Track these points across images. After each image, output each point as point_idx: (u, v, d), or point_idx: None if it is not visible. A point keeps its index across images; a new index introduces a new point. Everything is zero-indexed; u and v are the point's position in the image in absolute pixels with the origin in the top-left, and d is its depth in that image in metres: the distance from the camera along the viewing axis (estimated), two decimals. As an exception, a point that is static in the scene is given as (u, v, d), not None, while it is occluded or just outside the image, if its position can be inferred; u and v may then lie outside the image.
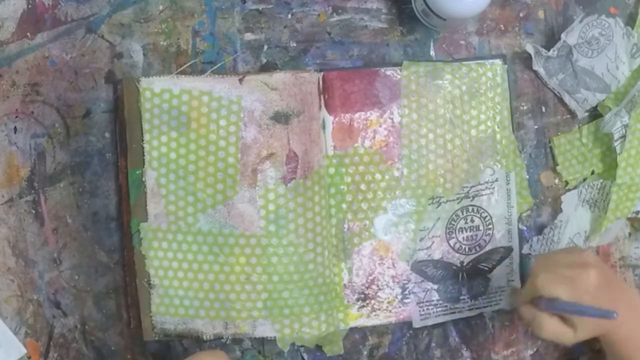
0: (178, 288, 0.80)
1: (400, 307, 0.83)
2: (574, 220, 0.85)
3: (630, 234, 0.87)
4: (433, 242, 0.83)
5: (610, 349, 0.76)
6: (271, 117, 0.79)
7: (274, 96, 0.79)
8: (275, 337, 0.80)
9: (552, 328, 0.71)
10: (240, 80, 0.79)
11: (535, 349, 0.86)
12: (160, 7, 0.83)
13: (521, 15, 0.86)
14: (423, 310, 0.83)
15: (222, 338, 0.81)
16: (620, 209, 0.83)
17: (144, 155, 0.79)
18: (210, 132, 0.79)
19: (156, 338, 0.81)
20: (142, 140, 0.79)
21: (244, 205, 0.79)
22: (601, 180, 0.85)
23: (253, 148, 0.78)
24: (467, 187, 0.83)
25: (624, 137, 0.82)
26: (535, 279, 0.72)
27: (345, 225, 0.82)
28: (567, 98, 0.84)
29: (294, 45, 0.84)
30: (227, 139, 0.79)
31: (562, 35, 0.83)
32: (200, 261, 0.79)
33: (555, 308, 0.71)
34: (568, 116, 0.86)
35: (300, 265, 0.79)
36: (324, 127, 0.81)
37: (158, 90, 0.79)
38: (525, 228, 0.85)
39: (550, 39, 0.86)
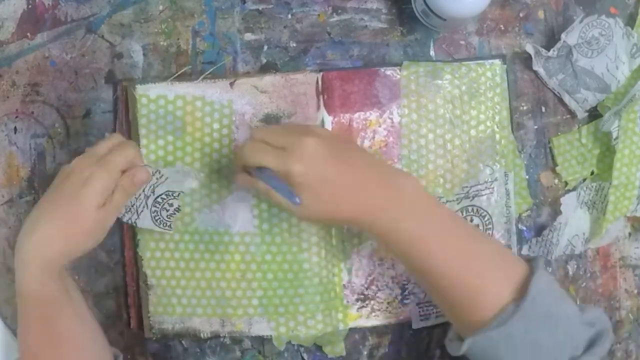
0: (175, 287, 0.81)
1: (400, 307, 0.83)
2: (573, 221, 0.85)
3: (630, 234, 0.86)
4: (433, 243, 0.83)
5: (382, 246, 0.70)
6: (261, 119, 0.80)
7: (264, 99, 0.80)
8: (271, 335, 0.81)
9: (275, 198, 0.67)
10: (231, 85, 0.80)
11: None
12: (160, 7, 0.83)
13: (521, 15, 0.86)
14: (423, 310, 0.83)
15: (220, 336, 0.81)
16: (619, 208, 0.83)
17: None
18: (204, 135, 0.80)
19: (154, 338, 0.81)
20: (140, 145, 0.80)
21: (238, 204, 0.79)
22: (599, 182, 0.85)
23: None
24: (467, 187, 0.83)
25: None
26: (242, 147, 0.68)
27: (345, 226, 0.82)
28: (567, 98, 0.84)
29: (294, 45, 0.84)
30: (220, 141, 0.80)
31: (562, 36, 0.83)
32: (196, 259, 0.80)
33: (260, 178, 0.67)
34: (568, 116, 0.86)
35: (294, 264, 0.79)
36: (323, 127, 0.81)
37: (154, 96, 0.80)
38: (525, 228, 0.85)
39: (550, 39, 0.86)
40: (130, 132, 0.81)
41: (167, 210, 0.79)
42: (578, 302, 0.85)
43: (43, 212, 0.70)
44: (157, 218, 0.78)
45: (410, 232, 0.66)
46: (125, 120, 0.81)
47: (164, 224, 0.78)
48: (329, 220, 0.69)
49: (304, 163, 0.64)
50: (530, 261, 0.67)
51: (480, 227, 0.83)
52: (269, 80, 0.81)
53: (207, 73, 0.81)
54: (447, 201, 0.82)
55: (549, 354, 0.62)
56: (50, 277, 0.69)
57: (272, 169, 0.65)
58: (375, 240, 0.69)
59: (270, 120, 0.80)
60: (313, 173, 0.65)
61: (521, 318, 0.62)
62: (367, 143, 0.82)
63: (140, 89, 0.80)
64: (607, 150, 0.85)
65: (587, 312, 0.65)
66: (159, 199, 0.78)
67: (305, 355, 0.83)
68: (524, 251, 0.85)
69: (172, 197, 0.79)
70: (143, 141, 0.80)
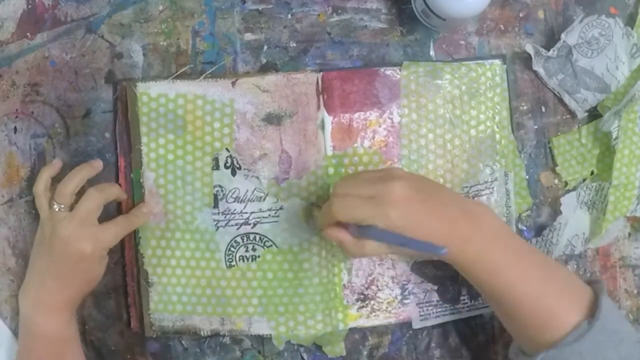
0: (176, 285, 0.81)
1: (399, 307, 0.83)
2: (573, 222, 0.85)
3: (630, 234, 0.86)
4: (433, 243, 0.83)
5: (463, 273, 0.71)
6: (263, 118, 0.80)
7: (266, 98, 0.80)
8: (270, 334, 0.81)
9: (376, 250, 0.68)
10: (233, 84, 0.80)
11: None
12: (160, 7, 0.83)
13: (521, 15, 0.86)
14: (423, 310, 0.83)
15: (220, 334, 0.81)
16: (619, 208, 0.83)
17: (142, 158, 0.80)
18: (205, 134, 0.80)
19: (154, 335, 0.82)
20: (140, 143, 0.80)
21: (239, 204, 0.79)
22: (599, 182, 0.85)
23: (246, 149, 0.79)
24: (467, 187, 0.83)
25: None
26: (330, 204, 0.68)
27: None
28: (567, 98, 0.84)
29: (294, 45, 0.84)
30: (221, 140, 0.80)
31: (562, 36, 0.83)
32: (197, 258, 0.80)
33: (367, 236, 0.66)
34: (568, 116, 0.86)
35: (295, 264, 0.79)
36: (323, 127, 0.81)
37: (155, 95, 0.80)
38: (525, 228, 0.85)
39: (550, 39, 0.86)
40: (130, 131, 0.81)
41: None
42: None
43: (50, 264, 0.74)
44: None
45: (493, 262, 0.68)
46: (124, 120, 0.81)
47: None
48: (423, 256, 0.71)
49: (399, 207, 0.65)
50: (592, 283, 0.70)
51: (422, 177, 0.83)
52: (270, 79, 0.81)
53: (207, 73, 0.81)
54: (447, 201, 0.83)
55: None
56: (69, 320, 0.76)
57: (368, 220, 0.65)
58: (459, 270, 0.71)
59: (271, 119, 0.80)
60: (409, 214, 0.65)
61: (593, 336, 0.64)
62: (367, 143, 0.82)
63: (141, 87, 0.80)
64: (607, 150, 0.85)
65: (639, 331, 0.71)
66: None
67: (305, 355, 0.83)
68: (524, 251, 0.85)
69: None
70: (144, 139, 0.81)
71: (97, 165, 0.79)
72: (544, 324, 0.67)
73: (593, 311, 0.66)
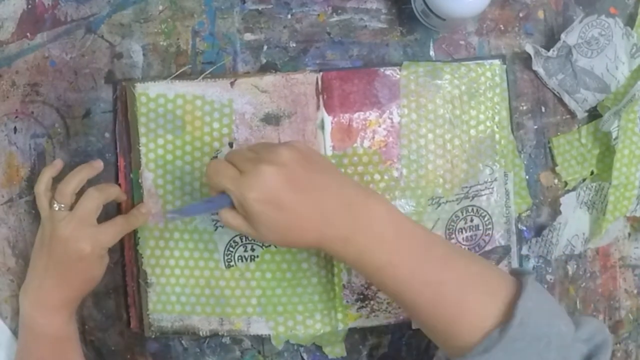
0: (175, 285, 0.81)
1: (399, 307, 0.83)
2: (573, 222, 0.85)
3: (630, 234, 0.86)
4: (434, 243, 0.83)
5: (357, 270, 0.65)
6: (262, 118, 0.80)
7: (264, 98, 0.80)
8: (269, 334, 0.81)
9: (231, 222, 0.64)
10: (232, 84, 0.80)
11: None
12: (160, 7, 0.83)
13: (521, 15, 0.86)
14: (423, 310, 0.83)
15: (219, 334, 0.81)
16: (619, 208, 0.83)
17: (140, 158, 0.81)
18: (204, 134, 0.80)
19: (153, 336, 0.82)
20: (139, 144, 0.80)
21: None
22: (599, 182, 0.85)
23: (244, 149, 0.79)
24: (466, 187, 0.83)
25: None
26: (207, 166, 0.65)
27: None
28: (566, 98, 0.84)
29: (294, 45, 0.84)
30: (220, 140, 0.80)
31: (562, 36, 0.83)
32: (196, 258, 0.81)
33: (183, 208, 0.70)
34: (568, 116, 0.86)
35: (293, 264, 0.80)
36: (322, 127, 0.81)
37: (153, 95, 0.80)
38: (525, 228, 0.85)
39: (550, 39, 0.86)
40: (129, 131, 0.81)
41: None
42: (578, 303, 0.85)
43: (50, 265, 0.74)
44: None
45: (378, 262, 0.63)
46: (124, 120, 0.81)
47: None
48: (288, 245, 0.65)
49: (256, 191, 0.61)
50: (519, 275, 0.64)
51: (480, 227, 0.83)
52: (269, 79, 0.81)
53: (207, 73, 0.81)
54: (447, 201, 0.82)
55: None
56: (69, 319, 0.76)
57: (229, 193, 0.63)
58: (345, 263, 0.67)
59: (270, 119, 0.80)
60: (266, 201, 0.61)
61: (506, 346, 0.58)
62: (366, 143, 0.82)
63: (139, 88, 0.80)
64: (607, 150, 0.85)
65: (583, 327, 0.61)
66: None
67: (305, 355, 0.83)
68: (524, 251, 0.85)
69: None
70: (142, 140, 0.81)
71: (98, 165, 0.79)
72: (450, 331, 0.61)
73: (509, 314, 0.59)
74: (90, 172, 0.77)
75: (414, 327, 0.83)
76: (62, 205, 0.74)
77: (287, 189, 0.61)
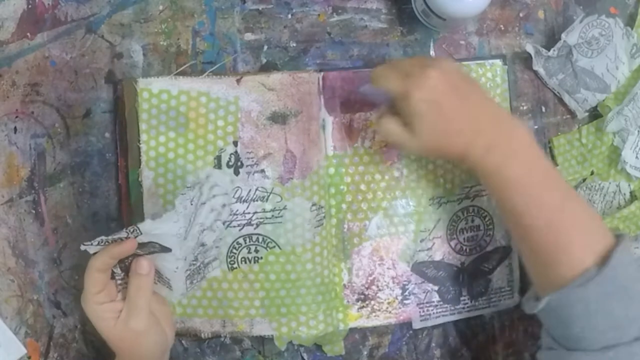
0: (176, 287, 0.80)
1: (400, 308, 0.83)
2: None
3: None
4: (434, 244, 0.83)
5: (483, 182, 0.71)
6: (268, 117, 0.79)
7: (271, 97, 0.79)
8: (272, 335, 0.80)
9: (386, 125, 0.70)
10: (238, 81, 0.80)
11: (535, 349, 0.86)
12: (160, 7, 0.83)
13: (521, 15, 0.86)
14: (423, 311, 0.83)
15: (221, 336, 0.81)
16: (633, 219, 0.85)
17: (140, 156, 0.80)
18: (208, 133, 0.79)
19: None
20: (139, 141, 0.80)
21: (242, 204, 0.79)
22: (599, 182, 0.85)
23: (250, 148, 0.79)
24: (467, 187, 0.83)
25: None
26: (374, 70, 0.70)
27: (345, 226, 0.82)
28: (567, 98, 0.84)
29: (294, 45, 0.84)
30: (224, 139, 0.79)
31: (562, 35, 0.83)
32: (197, 259, 0.80)
33: (364, 92, 0.70)
34: (568, 116, 0.86)
35: (298, 265, 0.79)
36: (323, 127, 0.81)
37: (156, 91, 0.79)
38: (525, 228, 0.85)
39: (550, 39, 0.86)
40: (127, 129, 0.81)
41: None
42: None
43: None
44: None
45: (514, 176, 0.67)
46: (124, 119, 0.81)
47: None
48: (437, 152, 0.70)
49: (423, 91, 0.66)
50: (617, 235, 0.68)
51: (481, 228, 0.83)
52: (276, 77, 0.80)
53: (207, 73, 0.81)
54: (447, 201, 0.82)
55: (618, 326, 0.63)
56: None
57: (394, 92, 0.68)
58: (479, 178, 0.71)
59: (276, 118, 0.80)
60: (431, 102, 0.66)
61: (600, 284, 0.63)
62: (367, 143, 0.82)
63: (142, 83, 0.80)
64: (607, 150, 0.85)
65: None
66: None
67: (305, 355, 0.83)
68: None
69: None
70: (143, 137, 0.80)
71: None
72: (554, 259, 0.66)
73: (606, 260, 0.64)
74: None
75: (414, 327, 0.83)
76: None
77: (449, 94, 0.66)
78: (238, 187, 0.79)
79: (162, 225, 0.64)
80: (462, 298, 0.84)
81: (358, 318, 0.83)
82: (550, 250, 0.66)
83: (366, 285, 0.82)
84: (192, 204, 0.66)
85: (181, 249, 0.68)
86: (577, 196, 0.71)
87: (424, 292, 0.83)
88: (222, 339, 0.82)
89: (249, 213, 0.79)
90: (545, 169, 0.69)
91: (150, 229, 0.64)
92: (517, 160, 0.67)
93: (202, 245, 0.73)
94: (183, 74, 0.81)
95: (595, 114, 0.86)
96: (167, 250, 0.67)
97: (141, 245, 0.66)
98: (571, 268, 0.65)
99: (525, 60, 0.85)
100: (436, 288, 0.83)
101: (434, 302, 0.83)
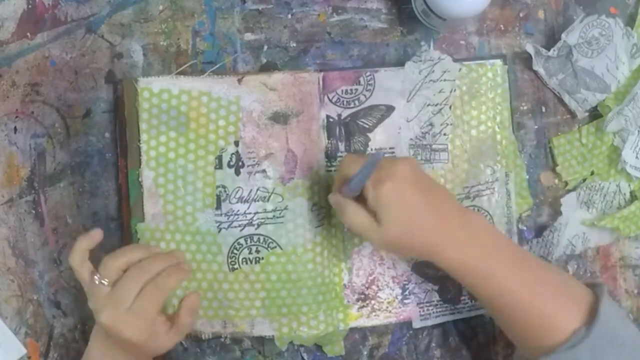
0: (177, 288, 0.80)
1: (400, 307, 0.83)
2: (573, 222, 0.85)
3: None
4: (434, 243, 0.83)
5: (457, 278, 0.71)
6: (270, 117, 0.79)
7: (273, 96, 0.79)
8: (273, 336, 0.80)
9: (353, 215, 0.69)
10: (239, 81, 0.79)
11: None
12: (160, 7, 0.83)
13: (521, 15, 0.86)
14: (423, 310, 0.83)
15: (221, 337, 0.81)
16: (633, 219, 0.85)
17: (141, 156, 0.79)
18: (209, 132, 0.79)
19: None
20: (139, 140, 0.79)
21: (243, 205, 0.79)
22: (599, 182, 0.85)
23: (252, 148, 0.79)
24: (467, 187, 0.83)
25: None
26: (340, 163, 0.72)
27: (345, 229, 0.82)
28: (567, 98, 0.84)
29: (294, 45, 0.84)
30: (225, 138, 0.79)
31: (562, 35, 0.83)
32: (198, 260, 0.79)
33: (345, 189, 0.69)
34: (568, 116, 0.86)
35: (299, 265, 0.79)
36: (324, 127, 0.81)
37: (157, 90, 0.79)
38: (525, 228, 0.85)
39: (550, 39, 0.86)
40: (127, 129, 0.81)
41: None
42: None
43: None
44: None
45: (482, 269, 0.69)
46: (123, 119, 0.81)
47: None
48: (402, 245, 0.70)
49: (395, 182, 0.67)
50: (593, 286, 0.70)
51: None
52: (277, 77, 0.80)
53: (208, 72, 0.81)
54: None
55: None
56: None
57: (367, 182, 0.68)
58: (453, 275, 0.72)
59: (278, 118, 0.79)
60: (401, 193, 0.67)
61: (591, 342, 0.64)
62: (367, 143, 0.82)
63: (142, 82, 0.79)
64: (607, 150, 0.85)
65: None
66: None
67: (305, 355, 0.83)
68: (525, 251, 0.85)
69: None
70: (143, 136, 0.79)
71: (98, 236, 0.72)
72: (541, 331, 0.67)
73: (592, 316, 0.66)
74: (143, 254, 0.72)
75: (414, 327, 0.83)
76: (105, 281, 0.69)
77: (415, 187, 0.67)
78: (239, 187, 0.79)
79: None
80: (462, 297, 0.84)
81: (358, 318, 0.83)
82: (536, 325, 0.68)
83: (366, 285, 0.82)
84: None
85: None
86: (546, 265, 0.75)
87: (424, 292, 0.83)
88: (223, 339, 0.82)
89: (250, 213, 0.79)
90: (511, 253, 0.71)
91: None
92: (483, 253, 0.69)
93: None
94: (183, 73, 0.81)
95: (595, 114, 0.86)
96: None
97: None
98: (559, 333, 0.66)
99: (525, 60, 0.85)
100: (436, 287, 0.83)
101: (434, 301, 0.83)
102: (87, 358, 0.73)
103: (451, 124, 0.82)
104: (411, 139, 0.82)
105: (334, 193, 0.72)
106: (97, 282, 0.68)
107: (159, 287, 0.69)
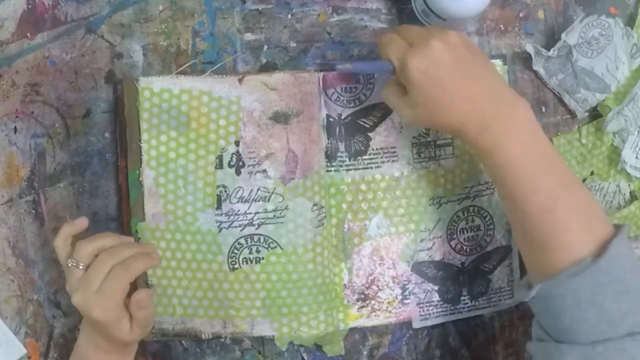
0: (177, 287, 0.80)
1: (400, 307, 0.83)
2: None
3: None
4: (434, 243, 0.83)
5: (480, 160, 0.71)
6: (270, 117, 0.79)
7: (274, 96, 0.79)
8: (273, 336, 0.80)
9: (386, 92, 0.71)
10: (240, 81, 0.79)
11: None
12: (160, 7, 0.83)
13: (521, 15, 0.86)
14: (423, 310, 0.83)
15: (221, 337, 0.81)
16: (633, 219, 0.85)
17: (141, 155, 0.79)
18: (209, 132, 0.79)
19: (154, 338, 0.81)
20: (140, 140, 0.79)
21: (243, 205, 0.79)
22: (599, 182, 0.85)
23: (252, 147, 0.79)
24: (467, 187, 0.83)
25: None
26: (381, 37, 0.72)
27: (345, 225, 0.82)
28: (567, 98, 0.85)
29: (294, 45, 0.84)
30: (226, 138, 0.79)
31: (562, 35, 0.83)
32: (199, 260, 0.80)
33: (348, 64, 0.72)
34: (568, 116, 0.86)
35: (299, 265, 0.79)
36: (324, 127, 0.81)
37: (157, 89, 0.79)
38: (525, 228, 0.85)
39: (550, 39, 0.86)
40: (127, 129, 0.81)
41: None
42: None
43: None
44: None
45: (510, 156, 0.66)
46: (123, 119, 0.81)
47: None
48: (431, 124, 0.70)
49: (422, 62, 0.66)
50: (616, 226, 0.67)
51: (481, 228, 0.83)
52: (278, 77, 0.80)
53: (208, 72, 0.81)
54: (448, 201, 0.82)
55: (609, 320, 0.62)
56: None
57: (393, 61, 0.68)
58: (476, 154, 0.71)
59: (278, 118, 0.79)
60: (428, 73, 0.66)
61: (594, 274, 0.62)
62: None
63: (143, 82, 0.79)
64: (607, 150, 0.85)
65: None
66: None
67: (305, 355, 0.83)
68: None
69: None
70: (144, 136, 0.79)
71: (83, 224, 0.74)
72: (549, 246, 0.65)
73: (604, 249, 0.63)
74: (114, 242, 0.73)
75: (414, 327, 0.83)
76: (80, 265, 0.70)
77: (449, 68, 0.66)
78: (240, 187, 0.79)
79: None
80: (462, 298, 0.84)
81: (358, 318, 0.83)
82: (545, 237, 0.66)
83: (366, 285, 0.82)
84: None
85: None
86: (576, 181, 0.70)
87: (424, 292, 0.83)
88: (222, 339, 0.82)
89: (250, 213, 0.79)
90: (542, 151, 0.68)
91: None
92: (512, 141, 0.67)
93: None
94: (183, 74, 0.81)
95: (595, 114, 0.86)
96: None
97: None
98: (566, 257, 0.64)
99: (525, 60, 0.85)
100: (436, 288, 0.83)
101: (434, 301, 0.83)
102: (77, 344, 0.75)
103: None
104: (414, 137, 0.82)
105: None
106: (69, 265, 0.70)
107: (127, 268, 0.70)
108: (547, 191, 0.66)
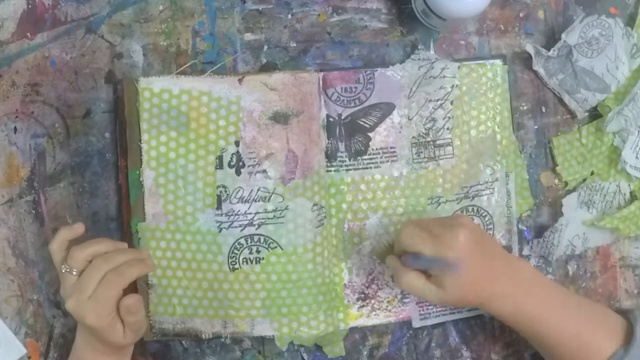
0: (177, 287, 0.80)
1: (400, 306, 0.83)
2: (573, 222, 0.85)
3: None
4: (434, 243, 0.83)
5: (505, 322, 0.76)
6: (270, 117, 0.79)
7: (273, 96, 0.79)
8: (273, 336, 0.80)
9: (411, 282, 0.72)
10: (240, 81, 0.79)
11: (535, 349, 0.86)
12: (160, 7, 0.83)
13: (521, 15, 0.86)
14: (423, 310, 0.83)
15: (221, 337, 0.81)
16: (633, 219, 0.85)
17: (141, 155, 0.79)
18: (209, 132, 0.79)
19: (154, 338, 0.81)
20: (140, 140, 0.79)
21: (243, 205, 0.79)
22: (599, 182, 0.85)
23: (252, 148, 0.79)
24: (466, 187, 0.83)
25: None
26: (400, 233, 0.73)
27: (345, 225, 0.82)
28: (567, 98, 0.84)
29: (294, 45, 0.84)
30: (226, 138, 0.79)
31: (562, 35, 0.83)
32: (199, 260, 0.80)
33: (408, 262, 0.72)
34: (568, 116, 0.86)
35: (299, 265, 0.79)
36: (324, 127, 0.81)
37: (157, 90, 0.79)
38: (525, 228, 0.85)
39: (550, 39, 0.86)
40: (127, 129, 0.81)
41: None
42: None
43: None
44: None
45: (532, 313, 0.73)
46: (124, 119, 0.81)
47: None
48: (461, 303, 0.74)
49: (456, 251, 0.69)
50: (624, 313, 0.75)
51: (481, 227, 0.83)
52: (278, 77, 0.80)
53: (208, 72, 0.81)
54: (446, 201, 0.82)
55: None
56: None
57: (425, 253, 0.71)
58: (502, 320, 0.76)
59: (278, 118, 0.79)
60: (462, 261, 0.69)
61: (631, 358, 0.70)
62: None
63: (143, 82, 0.79)
64: (607, 150, 0.85)
65: None
66: None
67: (305, 355, 0.83)
68: (525, 251, 0.85)
69: None
70: (144, 136, 0.79)
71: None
72: (584, 357, 0.73)
73: (628, 339, 0.71)
74: (108, 247, 0.73)
75: (414, 326, 0.83)
76: (74, 271, 0.71)
77: (475, 252, 0.71)
78: (240, 187, 0.79)
79: None
80: (462, 298, 0.84)
81: (358, 317, 0.83)
82: (578, 353, 0.73)
83: (366, 284, 0.83)
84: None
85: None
86: (583, 298, 0.80)
87: (423, 292, 0.83)
88: (222, 339, 0.82)
89: (250, 213, 0.79)
90: (555, 294, 0.75)
91: None
92: (532, 298, 0.73)
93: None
94: (183, 74, 0.81)
95: (595, 114, 0.86)
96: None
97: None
98: (599, 357, 0.72)
99: (525, 60, 0.85)
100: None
101: (433, 301, 0.84)
102: (74, 346, 0.76)
103: (452, 117, 0.82)
104: (413, 137, 0.82)
105: (392, 257, 0.75)
106: (63, 270, 0.71)
107: (120, 275, 0.70)
108: (569, 321, 0.73)
